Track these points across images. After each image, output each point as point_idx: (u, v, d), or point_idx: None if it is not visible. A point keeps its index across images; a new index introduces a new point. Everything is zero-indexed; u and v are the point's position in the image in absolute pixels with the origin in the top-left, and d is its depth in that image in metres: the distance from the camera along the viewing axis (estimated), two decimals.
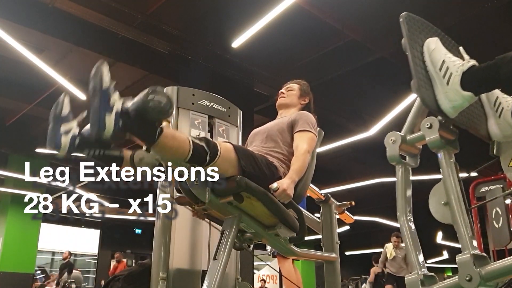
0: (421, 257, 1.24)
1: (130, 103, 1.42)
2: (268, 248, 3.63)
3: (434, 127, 1.24)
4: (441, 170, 1.26)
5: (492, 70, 1.20)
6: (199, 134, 2.24)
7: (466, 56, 1.32)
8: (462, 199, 1.21)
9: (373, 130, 7.27)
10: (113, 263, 10.50)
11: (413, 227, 1.31)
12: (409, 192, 1.35)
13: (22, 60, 5.76)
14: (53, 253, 16.50)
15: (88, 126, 1.52)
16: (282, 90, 2.34)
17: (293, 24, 5.28)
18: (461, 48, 1.39)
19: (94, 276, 15.68)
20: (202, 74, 5.96)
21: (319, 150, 2.28)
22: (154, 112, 1.40)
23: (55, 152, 1.51)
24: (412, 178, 1.38)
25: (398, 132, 1.34)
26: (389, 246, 6.85)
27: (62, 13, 5.25)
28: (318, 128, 2.13)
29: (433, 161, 1.29)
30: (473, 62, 1.26)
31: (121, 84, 7.50)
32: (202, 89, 2.39)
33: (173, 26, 5.54)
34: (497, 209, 4.45)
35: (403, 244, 6.27)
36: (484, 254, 1.13)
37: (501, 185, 4.99)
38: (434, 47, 1.30)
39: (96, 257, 15.69)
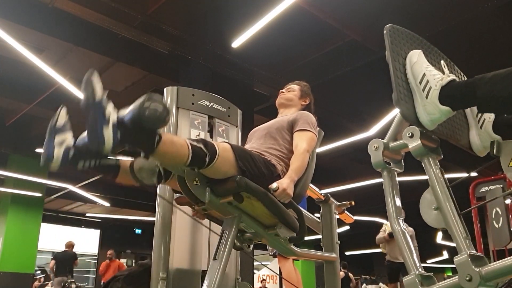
0: (415, 257, 1.25)
1: (125, 113, 1.38)
2: (269, 248, 3.63)
3: (415, 136, 1.27)
4: (428, 177, 1.28)
5: (469, 88, 1.23)
6: (199, 134, 2.24)
7: (446, 70, 1.35)
8: (452, 202, 1.22)
9: (373, 130, 7.27)
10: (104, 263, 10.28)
11: (404, 227, 1.32)
12: (397, 195, 1.37)
13: (22, 60, 5.76)
14: (53, 253, 16.51)
15: (82, 136, 1.48)
16: (283, 90, 2.35)
17: (293, 24, 5.28)
18: (442, 62, 1.42)
19: (94, 276, 15.67)
20: (202, 74, 5.95)
21: (319, 150, 2.28)
22: (151, 121, 1.36)
23: (48, 165, 1.44)
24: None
25: (381, 140, 1.37)
26: (389, 224, 6.16)
27: (62, 13, 5.25)
28: (318, 128, 2.13)
29: None
30: (452, 77, 1.28)
31: (121, 84, 7.55)
32: (202, 89, 2.39)
33: (173, 26, 5.54)
34: (497, 209, 4.45)
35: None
36: (481, 254, 1.13)
37: (501, 185, 5.00)
38: (416, 59, 1.32)
39: (96, 257, 15.69)
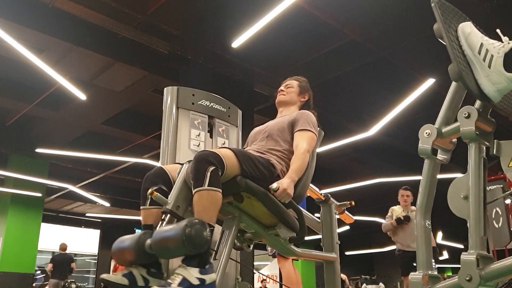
0: (429, 257, 1.23)
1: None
2: (269, 248, 3.63)
3: (472, 116, 1.19)
4: (468, 162, 1.21)
5: None
6: (199, 134, 2.24)
7: (505, 38, 1.27)
8: (483, 196, 1.17)
9: (373, 130, 7.27)
10: (113, 263, 10.46)
11: (429, 226, 1.28)
12: (433, 190, 1.31)
13: (22, 60, 5.76)
14: (53, 253, 16.48)
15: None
16: (282, 88, 2.33)
17: (293, 24, 5.28)
18: (498, 31, 1.33)
19: (94, 276, 15.67)
20: (202, 74, 5.95)
21: (319, 150, 2.28)
22: (199, 246, 1.42)
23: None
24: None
25: (433, 125, 1.29)
26: (396, 209, 5.05)
27: (62, 13, 5.25)
28: (318, 128, 2.13)
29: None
30: None
31: (121, 84, 7.55)
32: (202, 89, 2.39)
33: (173, 26, 5.54)
34: (497, 209, 4.46)
35: (414, 207, 4.38)
36: (490, 255, 1.11)
37: (501, 185, 5.00)
38: (469, 30, 1.25)
39: (96, 257, 15.68)
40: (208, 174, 1.53)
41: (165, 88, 2.28)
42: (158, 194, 1.53)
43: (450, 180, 1.25)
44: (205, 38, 5.78)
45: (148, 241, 1.51)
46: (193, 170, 1.56)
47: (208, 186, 1.52)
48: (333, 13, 5.22)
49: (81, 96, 6.55)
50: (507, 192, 4.67)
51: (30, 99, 7.22)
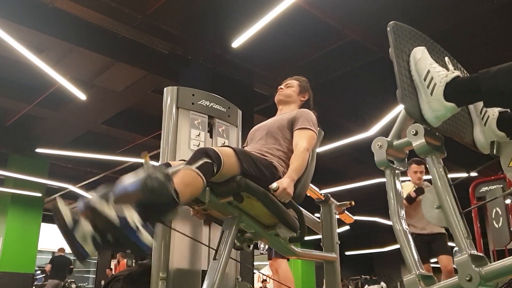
0: (416, 257, 1.25)
1: (139, 201, 1.35)
2: (261, 246, 3.60)
3: (419, 134, 1.26)
4: (431, 175, 1.28)
5: (474, 83, 1.22)
6: (199, 134, 2.24)
7: (450, 67, 1.34)
8: (454, 201, 1.22)
9: (373, 130, 7.26)
10: (113, 262, 10.49)
11: (405, 226, 1.32)
12: (399, 195, 1.37)
13: (22, 60, 5.76)
14: (53, 253, 16.47)
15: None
16: (281, 86, 2.34)
17: (293, 24, 5.28)
18: (446, 58, 1.41)
19: (94, 276, 15.66)
20: (202, 74, 5.95)
21: (319, 150, 2.28)
22: (160, 197, 1.36)
23: (85, 261, 1.42)
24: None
25: (384, 138, 1.37)
26: (407, 185, 4.26)
27: (62, 13, 5.25)
28: (318, 128, 2.13)
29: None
30: (457, 73, 1.28)
31: (121, 84, 7.55)
32: (202, 89, 2.39)
33: (173, 26, 5.54)
34: (497, 209, 4.45)
35: (427, 184, 4.21)
36: (482, 254, 1.13)
37: (501, 185, 5.00)
38: (420, 56, 1.31)
39: (96, 257, 15.67)
40: (201, 162, 1.53)
41: (165, 88, 2.28)
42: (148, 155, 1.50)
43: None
44: (205, 38, 5.78)
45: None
46: (189, 159, 1.58)
47: (196, 169, 1.51)
48: (333, 13, 5.22)
49: (81, 96, 6.55)
50: (507, 192, 4.67)
51: (30, 99, 7.22)
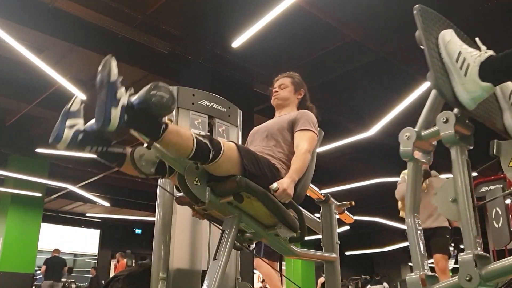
0: (424, 257, 1.24)
1: (134, 98, 1.43)
2: (253, 246, 3.57)
3: (450, 121, 1.21)
4: (452, 165, 1.24)
5: (510, 59, 1.18)
6: (200, 134, 2.24)
7: (483, 47, 1.29)
8: (471, 197, 1.19)
9: (373, 130, 7.27)
10: (113, 262, 10.55)
11: (420, 226, 1.29)
12: (419, 190, 1.33)
13: (22, 60, 5.76)
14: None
15: (91, 122, 1.52)
16: (276, 88, 2.31)
17: (293, 24, 5.28)
18: (477, 39, 1.36)
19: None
20: (202, 74, 5.95)
21: (319, 150, 2.28)
22: (156, 108, 1.40)
23: (55, 144, 1.51)
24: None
25: (412, 128, 1.31)
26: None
27: (62, 13, 5.25)
28: (318, 128, 2.13)
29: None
30: (490, 52, 1.23)
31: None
32: (202, 89, 2.39)
33: (173, 26, 5.54)
34: (497, 209, 4.45)
35: (435, 172, 4.07)
36: (487, 255, 1.12)
37: (501, 185, 5.00)
38: (449, 38, 1.27)
39: (96, 257, 15.69)
40: (200, 137, 1.55)
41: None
42: None
43: None
44: (205, 38, 5.78)
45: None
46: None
47: (195, 136, 1.53)
48: (333, 13, 5.22)
49: (81, 96, 6.55)
50: (507, 192, 4.68)
51: (30, 99, 7.22)
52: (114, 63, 1.44)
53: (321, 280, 11.63)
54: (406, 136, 1.31)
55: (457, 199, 1.19)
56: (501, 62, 1.20)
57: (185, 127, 2.17)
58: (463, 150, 1.25)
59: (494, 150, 1.32)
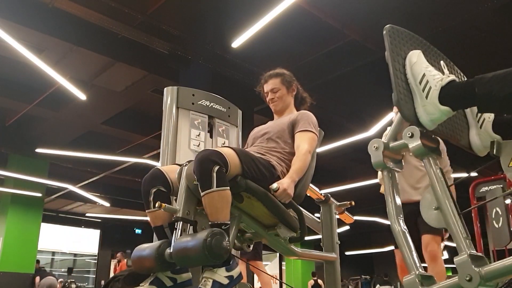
0: (415, 257, 1.25)
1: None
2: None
3: (415, 136, 1.27)
4: (428, 176, 1.29)
5: (469, 88, 1.24)
6: (199, 134, 2.24)
7: (446, 71, 1.36)
8: (453, 202, 1.22)
9: (373, 130, 7.26)
10: (113, 262, 10.54)
11: (404, 227, 1.32)
12: (397, 195, 1.37)
13: (22, 60, 5.76)
14: (53, 253, 16.51)
15: None
16: (271, 96, 2.24)
17: (293, 24, 5.28)
18: (442, 62, 1.42)
19: (94, 276, 15.67)
20: (202, 74, 5.95)
21: (319, 150, 2.28)
22: (220, 257, 1.45)
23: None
24: None
25: (380, 140, 1.37)
26: None
27: (62, 13, 5.25)
28: (318, 128, 2.13)
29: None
30: (452, 77, 1.29)
31: (121, 84, 7.54)
32: (202, 89, 2.39)
33: (173, 26, 5.54)
34: (497, 209, 4.45)
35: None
36: (481, 254, 1.13)
37: (501, 185, 4.99)
38: (415, 60, 1.32)
39: (96, 257, 15.68)
40: (214, 174, 1.52)
41: (165, 88, 2.28)
42: (167, 205, 1.51)
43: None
44: (205, 38, 5.78)
45: (168, 250, 1.51)
46: (198, 173, 1.54)
47: (216, 187, 1.51)
48: (333, 13, 5.22)
49: (81, 96, 6.55)
50: (507, 192, 4.67)
51: (30, 99, 7.22)
52: None
53: (311, 282, 11.68)
54: (374, 146, 1.37)
55: (440, 206, 1.24)
56: (460, 90, 1.27)
57: (182, 131, 2.16)
58: (435, 160, 1.29)
59: (494, 150, 1.33)
